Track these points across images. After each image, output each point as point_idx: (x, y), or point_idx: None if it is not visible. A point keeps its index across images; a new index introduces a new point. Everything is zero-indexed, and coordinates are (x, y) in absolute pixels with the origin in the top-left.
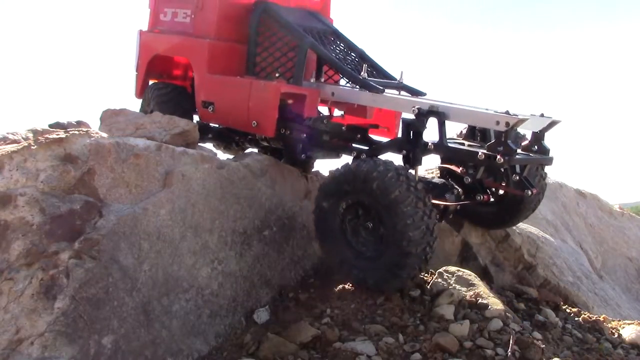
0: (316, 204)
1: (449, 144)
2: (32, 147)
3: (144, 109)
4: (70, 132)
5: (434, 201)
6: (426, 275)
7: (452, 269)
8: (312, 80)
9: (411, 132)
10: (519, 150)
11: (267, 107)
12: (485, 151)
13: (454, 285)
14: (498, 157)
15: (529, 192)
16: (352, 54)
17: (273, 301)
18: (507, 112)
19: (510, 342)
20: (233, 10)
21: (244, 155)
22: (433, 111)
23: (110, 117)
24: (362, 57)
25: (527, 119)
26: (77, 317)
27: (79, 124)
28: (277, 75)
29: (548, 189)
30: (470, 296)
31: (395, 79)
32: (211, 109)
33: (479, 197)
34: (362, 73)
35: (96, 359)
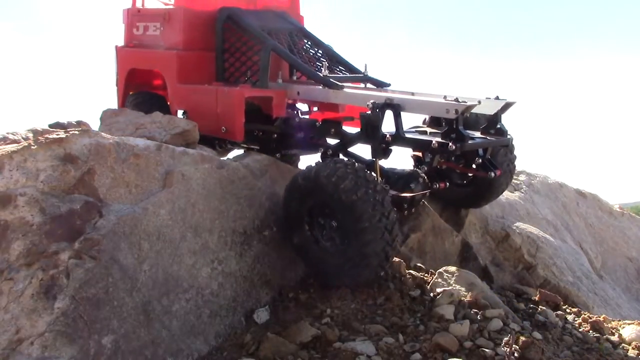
0: (291, 244)
1: (406, 135)
2: (32, 147)
3: None
4: (70, 132)
5: (401, 194)
6: (426, 275)
7: (452, 269)
8: (280, 80)
9: (369, 125)
10: (478, 134)
11: (233, 112)
12: (438, 140)
13: (454, 285)
14: (450, 144)
15: (492, 174)
16: (319, 51)
17: (273, 301)
18: (456, 100)
19: (511, 342)
20: (198, 20)
21: (244, 155)
22: (388, 104)
23: (110, 117)
24: (329, 54)
25: (475, 105)
26: (77, 317)
27: (79, 124)
28: (246, 79)
29: (548, 189)
30: (470, 296)
31: (361, 73)
32: (185, 117)
33: (435, 186)
34: (323, 71)
35: (96, 359)
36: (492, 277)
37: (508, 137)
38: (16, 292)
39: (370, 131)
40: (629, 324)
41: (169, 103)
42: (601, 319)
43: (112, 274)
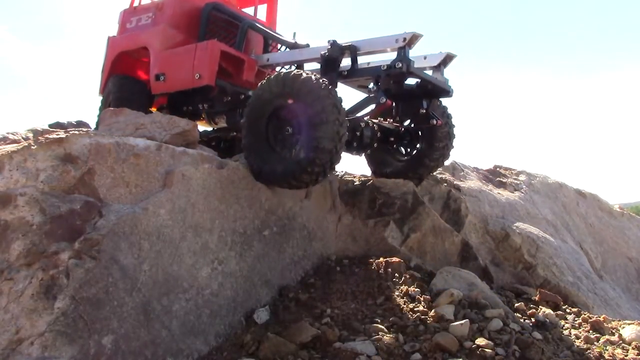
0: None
1: (360, 68)
2: (32, 147)
3: (104, 101)
4: (70, 132)
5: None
6: (426, 275)
7: (452, 269)
8: (253, 55)
9: (326, 61)
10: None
11: (209, 59)
12: (387, 64)
13: (454, 285)
14: (397, 63)
15: (434, 122)
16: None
17: (273, 301)
18: (404, 32)
19: (511, 342)
20: (187, 11)
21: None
22: (347, 46)
23: (110, 117)
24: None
25: (421, 35)
26: (77, 317)
27: (79, 124)
28: None
29: (548, 189)
30: (470, 296)
31: None
32: (162, 78)
33: (383, 100)
34: (292, 38)
35: (96, 359)
36: (492, 277)
37: (450, 86)
38: (16, 292)
39: (330, 65)
40: (629, 324)
41: (149, 70)
42: (601, 319)
43: (112, 274)
